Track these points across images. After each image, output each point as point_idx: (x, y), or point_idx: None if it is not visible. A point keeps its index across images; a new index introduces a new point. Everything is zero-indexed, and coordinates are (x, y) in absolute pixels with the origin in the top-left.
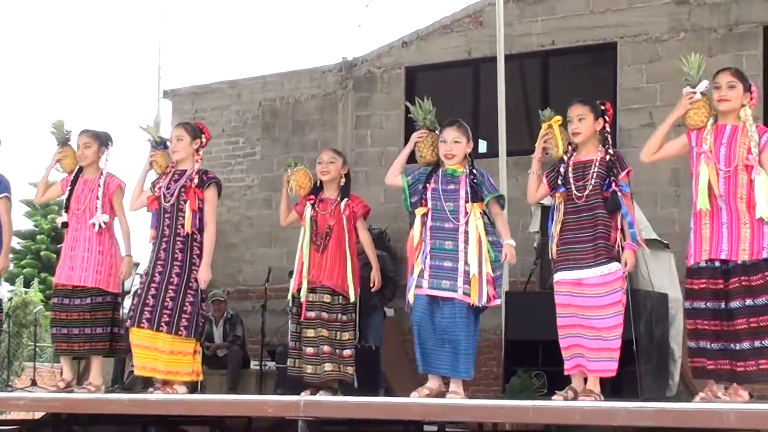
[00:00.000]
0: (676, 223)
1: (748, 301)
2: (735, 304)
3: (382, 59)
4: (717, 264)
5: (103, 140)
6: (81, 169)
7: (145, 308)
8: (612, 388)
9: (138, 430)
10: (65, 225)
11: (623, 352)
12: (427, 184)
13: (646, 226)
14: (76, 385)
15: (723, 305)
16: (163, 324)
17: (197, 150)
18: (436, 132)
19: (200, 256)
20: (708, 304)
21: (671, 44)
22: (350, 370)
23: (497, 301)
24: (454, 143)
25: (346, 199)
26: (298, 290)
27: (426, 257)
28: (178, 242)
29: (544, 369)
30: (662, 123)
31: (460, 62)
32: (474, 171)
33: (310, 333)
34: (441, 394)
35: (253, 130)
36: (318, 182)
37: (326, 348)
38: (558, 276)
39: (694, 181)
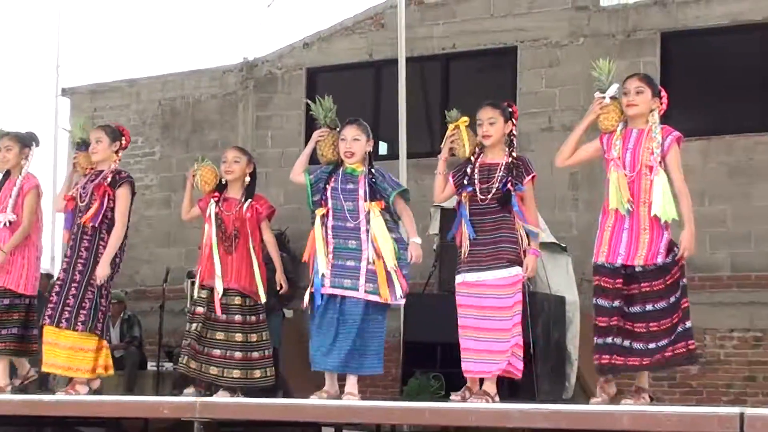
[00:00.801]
0: (574, 226)
1: (648, 307)
2: (635, 309)
3: (283, 60)
4: (613, 266)
5: (25, 141)
6: (8, 171)
7: (49, 305)
8: (509, 389)
9: None
10: None
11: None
12: (327, 184)
13: (544, 230)
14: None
15: (624, 307)
16: (63, 320)
17: (116, 152)
18: (337, 130)
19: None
20: (613, 302)
21: (570, 49)
22: (257, 373)
23: (403, 301)
24: (353, 141)
25: (249, 200)
26: (202, 287)
27: (329, 256)
28: (85, 239)
29: (442, 371)
30: (575, 127)
31: (361, 64)
32: (372, 170)
33: (220, 336)
34: (339, 396)
35: (153, 129)
36: (223, 180)
37: (238, 354)
38: (460, 277)
39: (607, 186)
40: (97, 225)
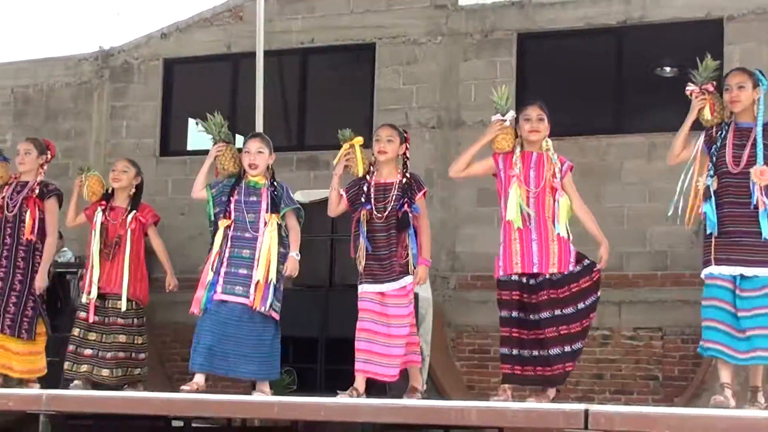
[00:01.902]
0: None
1: (557, 311)
2: (545, 314)
3: (140, 50)
4: (524, 279)
5: None
6: None
7: None
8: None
9: None
10: None
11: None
12: (231, 196)
13: None
14: None
15: (531, 316)
16: (6, 327)
17: (42, 165)
18: (232, 144)
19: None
20: (518, 314)
21: (428, 47)
22: (137, 371)
23: (271, 312)
24: (257, 154)
25: (134, 210)
26: (89, 293)
27: (222, 264)
28: (21, 251)
29: (295, 366)
30: (473, 144)
31: (219, 56)
32: (275, 183)
33: (96, 336)
34: (204, 391)
35: (4, 116)
36: (110, 189)
37: (122, 354)
38: (362, 288)
39: (503, 200)
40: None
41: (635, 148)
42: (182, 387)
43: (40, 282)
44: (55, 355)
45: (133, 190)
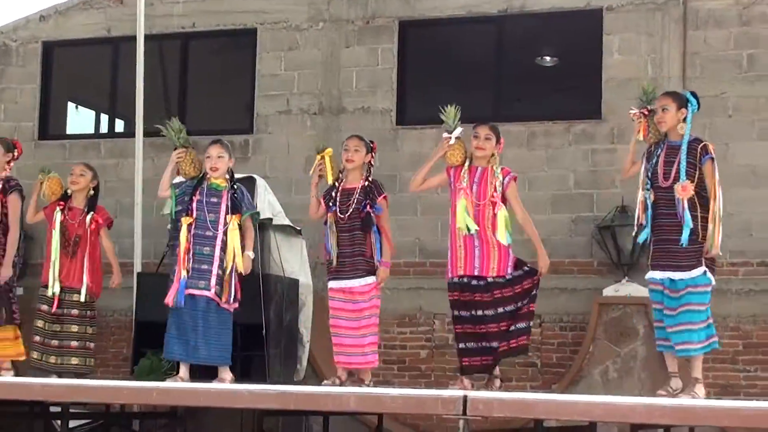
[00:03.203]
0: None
1: (500, 309)
2: (489, 312)
3: (18, 32)
4: (466, 280)
5: None
6: None
7: None
8: (241, 371)
9: None
10: None
11: (252, 337)
12: (193, 196)
13: (280, 212)
14: None
15: (478, 312)
16: None
17: (8, 162)
18: (192, 148)
19: (4, 256)
20: (466, 312)
21: (310, 33)
22: (92, 361)
23: (235, 305)
24: (218, 158)
25: (92, 212)
26: (46, 286)
27: (188, 261)
28: None
29: None
30: (427, 160)
31: (99, 39)
32: (235, 187)
33: (57, 327)
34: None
35: None
36: (67, 190)
37: (74, 343)
38: (330, 284)
39: (452, 210)
40: None
41: (514, 136)
42: (168, 380)
43: (6, 271)
44: None
45: (91, 192)
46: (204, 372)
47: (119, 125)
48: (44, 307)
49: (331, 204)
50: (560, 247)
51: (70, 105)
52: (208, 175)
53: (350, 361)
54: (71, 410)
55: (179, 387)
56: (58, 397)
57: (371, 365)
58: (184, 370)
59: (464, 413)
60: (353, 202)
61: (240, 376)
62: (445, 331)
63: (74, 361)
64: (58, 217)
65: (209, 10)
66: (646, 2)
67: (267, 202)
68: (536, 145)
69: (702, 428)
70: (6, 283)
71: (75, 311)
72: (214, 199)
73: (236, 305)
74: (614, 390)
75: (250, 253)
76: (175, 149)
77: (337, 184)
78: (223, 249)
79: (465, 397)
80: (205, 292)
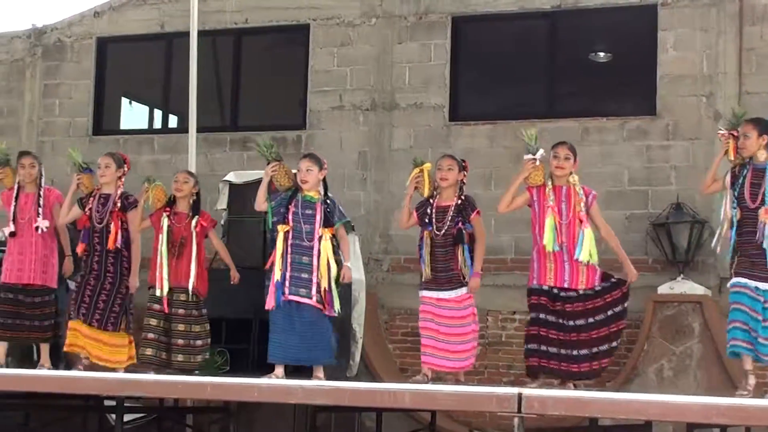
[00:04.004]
0: (362, 205)
1: (589, 320)
2: (580, 322)
3: (72, 28)
4: (556, 290)
5: (40, 161)
6: (20, 186)
7: (83, 305)
8: (294, 367)
9: None
10: (13, 234)
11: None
12: (289, 206)
13: None
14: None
15: (569, 322)
16: (94, 321)
17: (120, 177)
18: (283, 161)
19: (128, 268)
20: (547, 317)
21: (363, 29)
22: (199, 358)
23: (335, 313)
24: (307, 172)
25: (197, 216)
26: (160, 288)
27: (287, 268)
28: (110, 257)
29: (227, 346)
30: (511, 183)
31: (152, 35)
32: (327, 200)
33: (167, 325)
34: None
35: None
36: (172, 197)
37: (180, 341)
38: (423, 293)
39: (539, 226)
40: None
41: (568, 133)
42: (264, 377)
43: (134, 282)
44: None
45: (194, 197)
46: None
47: (172, 120)
48: (156, 306)
49: (427, 222)
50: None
51: (124, 100)
52: (299, 188)
53: (440, 364)
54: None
55: (233, 382)
56: (112, 391)
57: (468, 368)
58: (280, 370)
59: (519, 410)
60: (448, 219)
61: (292, 372)
62: (498, 328)
63: (179, 358)
64: (165, 222)
65: (262, 5)
66: None
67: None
68: (590, 142)
69: (758, 428)
70: (127, 293)
71: (181, 310)
72: (309, 211)
73: (334, 312)
74: (669, 388)
75: (349, 264)
76: (268, 163)
77: (431, 200)
78: (319, 258)
79: (520, 395)
80: (307, 300)
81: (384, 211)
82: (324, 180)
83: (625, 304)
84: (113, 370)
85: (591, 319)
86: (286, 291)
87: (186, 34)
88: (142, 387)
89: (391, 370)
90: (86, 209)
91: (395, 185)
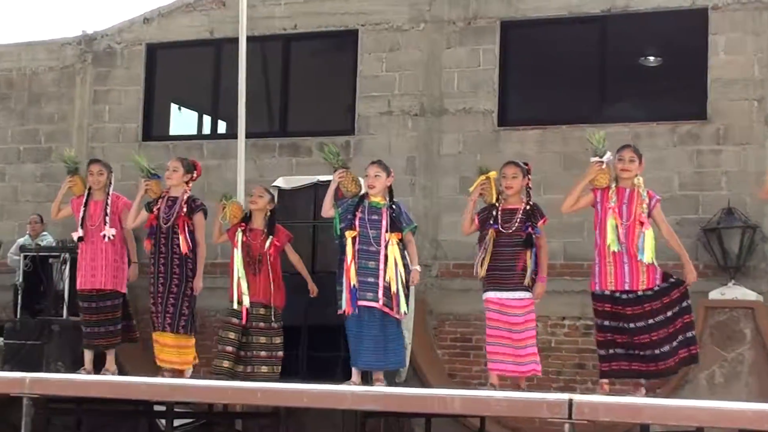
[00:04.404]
0: (411, 211)
1: (650, 321)
2: (640, 324)
3: (122, 34)
4: (617, 294)
5: (110, 168)
6: (89, 192)
7: (158, 314)
8: (344, 373)
9: None
10: (81, 239)
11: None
12: (356, 212)
13: None
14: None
15: (630, 325)
16: (166, 325)
17: (187, 182)
18: (349, 168)
19: (193, 270)
20: (615, 323)
21: (411, 34)
22: (278, 369)
23: (405, 316)
24: (375, 177)
25: (271, 235)
26: (239, 302)
27: (355, 273)
28: (175, 259)
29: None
30: (577, 184)
31: (202, 41)
32: (393, 206)
33: (245, 339)
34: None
35: None
36: (248, 213)
37: (263, 353)
38: (485, 295)
39: (600, 228)
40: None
41: (618, 137)
42: (345, 383)
43: (198, 284)
44: (37, 338)
45: (269, 213)
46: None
47: (221, 126)
48: (234, 320)
49: (492, 222)
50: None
51: (173, 106)
52: (368, 194)
53: (509, 369)
54: (175, 409)
55: (283, 388)
56: (163, 396)
57: (532, 373)
58: (357, 376)
59: (570, 417)
60: (516, 221)
61: (342, 378)
62: (548, 334)
63: (263, 369)
64: (239, 237)
65: (311, 11)
66: (753, 1)
67: None
68: (640, 147)
69: None
70: (192, 295)
71: (261, 324)
72: (375, 216)
73: (404, 315)
74: (721, 394)
75: (418, 267)
76: (335, 170)
77: (497, 204)
78: (386, 263)
79: (571, 401)
80: (373, 303)
81: (433, 216)
82: (390, 186)
83: (686, 302)
84: (180, 372)
85: (651, 321)
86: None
87: (235, 40)
88: (193, 392)
89: (440, 376)
90: (154, 210)
91: (444, 190)
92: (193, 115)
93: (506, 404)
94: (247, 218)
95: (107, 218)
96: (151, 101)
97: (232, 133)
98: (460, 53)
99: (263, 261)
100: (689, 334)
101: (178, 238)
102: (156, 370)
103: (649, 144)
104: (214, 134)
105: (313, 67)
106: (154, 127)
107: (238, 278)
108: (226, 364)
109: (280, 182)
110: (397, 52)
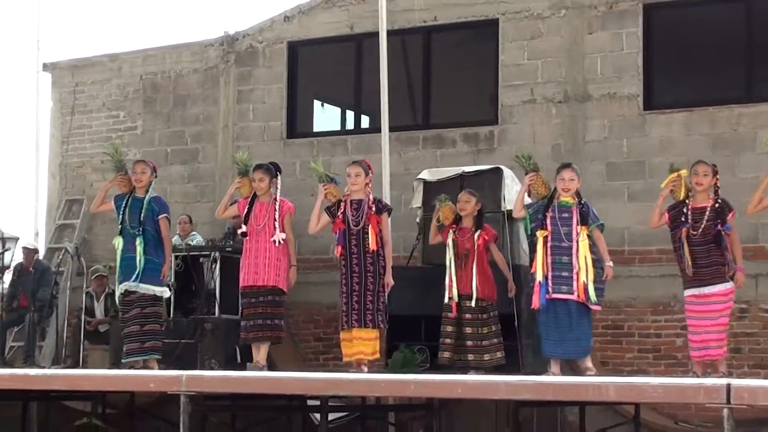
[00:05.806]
0: None
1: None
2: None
3: (264, 33)
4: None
5: (273, 173)
6: (255, 194)
7: (353, 312)
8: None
9: (19, 407)
10: (245, 234)
11: (504, 327)
12: (546, 213)
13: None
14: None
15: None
16: (368, 321)
17: (367, 184)
18: (540, 172)
19: (384, 266)
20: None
21: (552, 21)
22: (486, 357)
23: (598, 307)
24: (570, 181)
25: (480, 230)
26: (449, 297)
27: (548, 269)
28: (368, 258)
29: (427, 343)
30: (760, 184)
31: (342, 37)
32: (582, 203)
33: (461, 330)
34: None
35: (135, 103)
36: (458, 215)
37: (469, 342)
38: (687, 292)
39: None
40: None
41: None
42: (544, 374)
43: (389, 279)
44: (191, 337)
45: (476, 213)
46: None
47: (365, 121)
48: (449, 314)
49: (683, 220)
50: None
51: (316, 103)
52: (557, 194)
53: (704, 354)
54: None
55: (437, 379)
56: (317, 390)
57: (725, 355)
58: (556, 366)
59: (728, 402)
60: (705, 220)
61: (492, 368)
62: None
63: (470, 357)
64: (450, 237)
65: (450, 2)
66: None
67: (515, 193)
68: None
69: None
70: (383, 291)
71: (468, 315)
72: (566, 215)
73: (599, 306)
74: None
75: (610, 263)
76: (526, 173)
77: (687, 201)
78: (578, 257)
79: (728, 386)
80: (570, 296)
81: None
82: (578, 189)
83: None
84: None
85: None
86: (550, 290)
87: (375, 35)
88: (346, 386)
89: (593, 364)
90: (338, 214)
91: (591, 177)
92: (336, 110)
93: (662, 390)
94: (457, 219)
95: (276, 223)
96: (294, 99)
97: (375, 128)
98: (602, 38)
99: (469, 256)
100: None
101: (368, 238)
102: (302, 366)
103: None
104: (357, 129)
105: (454, 58)
106: (298, 124)
107: (449, 273)
108: (446, 354)
109: (425, 174)
110: (538, 40)
